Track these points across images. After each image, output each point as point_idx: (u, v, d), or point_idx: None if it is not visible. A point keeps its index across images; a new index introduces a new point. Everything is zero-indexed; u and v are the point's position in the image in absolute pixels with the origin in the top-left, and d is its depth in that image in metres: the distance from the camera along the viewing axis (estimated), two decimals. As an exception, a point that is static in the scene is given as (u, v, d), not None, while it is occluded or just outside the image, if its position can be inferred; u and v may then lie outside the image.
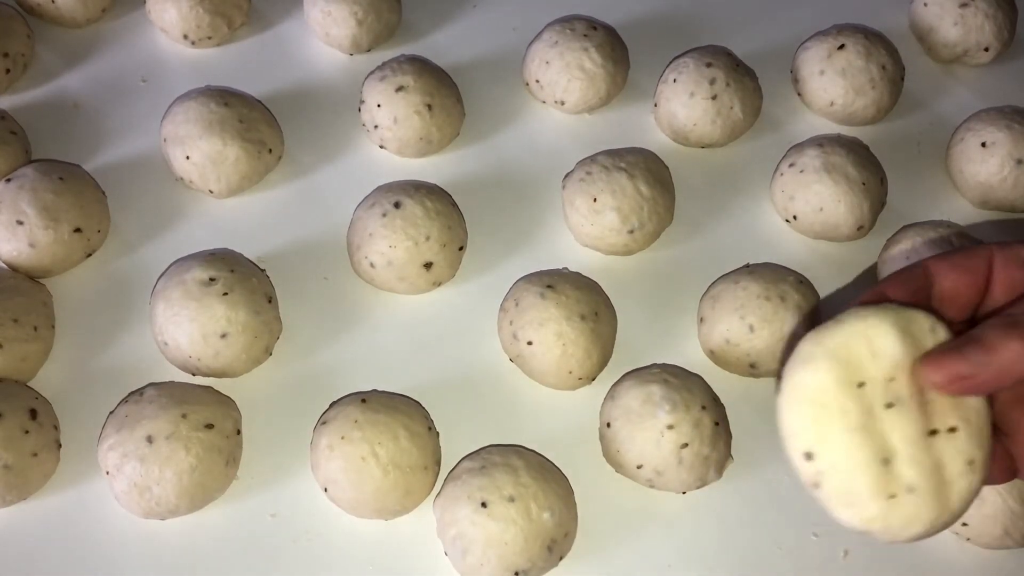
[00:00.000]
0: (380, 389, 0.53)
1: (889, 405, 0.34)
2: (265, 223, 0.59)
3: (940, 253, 0.39)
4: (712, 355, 0.55)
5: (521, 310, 0.53)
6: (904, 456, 0.34)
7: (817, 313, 0.54)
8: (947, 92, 0.67)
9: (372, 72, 0.62)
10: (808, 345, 0.35)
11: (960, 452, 0.34)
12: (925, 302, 0.37)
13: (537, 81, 0.64)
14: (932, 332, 0.35)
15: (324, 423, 0.50)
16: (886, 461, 0.33)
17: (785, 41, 0.68)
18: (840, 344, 0.34)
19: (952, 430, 0.34)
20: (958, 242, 0.56)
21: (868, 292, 0.39)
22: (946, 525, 0.35)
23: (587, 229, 0.57)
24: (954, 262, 0.38)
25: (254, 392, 0.53)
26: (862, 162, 0.58)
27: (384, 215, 0.55)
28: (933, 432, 0.34)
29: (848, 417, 0.34)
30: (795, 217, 0.59)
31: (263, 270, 0.56)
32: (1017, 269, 0.37)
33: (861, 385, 0.34)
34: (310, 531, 0.50)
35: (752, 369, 0.54)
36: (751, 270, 0.56)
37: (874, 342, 0.34)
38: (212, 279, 0.52)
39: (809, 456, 0.34)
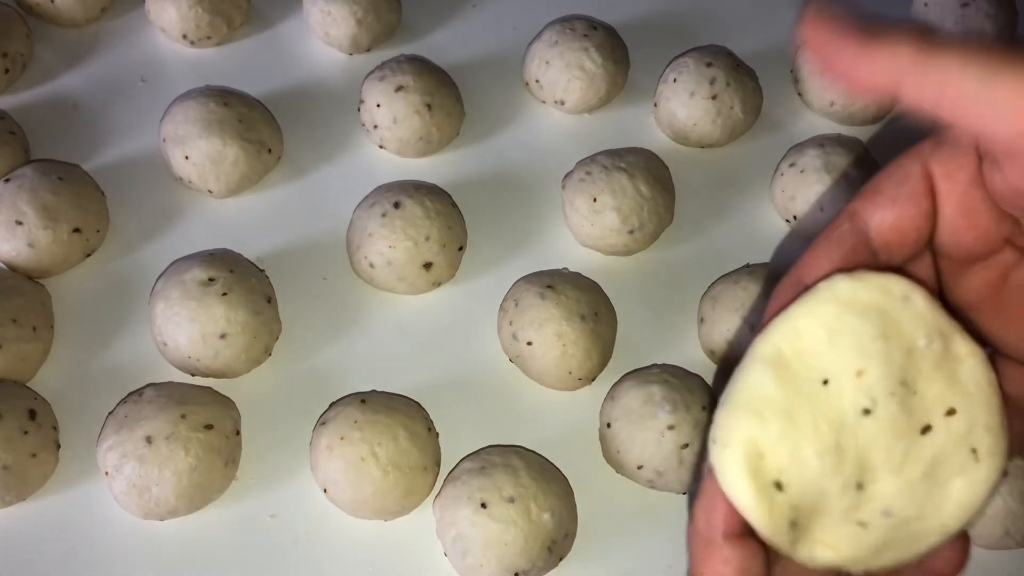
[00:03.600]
0: (380, 389, 0.53)
1: (866, 412, 0.28)
2: (265, 223, 0.59)
3: (864, 188, 0.31)
4: (712, 355, 0.55)
5: (521, 310, 0.53)
6: (883, 472, 0.28)
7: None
8: (947, 92, 0.67)
9: (372, 72, 0.62)
10: (754, 346, 0.29)
11: (960, 440, 0.28)
12: (866, 260, 0.30)
13: (537, 81, 0.64)
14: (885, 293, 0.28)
15: (324, 424, 0.50)
16: (860, 485, 0.28)
17: (785, 41, 0.68)
18: (779, 337, 0.28)
19: (951, 412, 0.28)
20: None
21: (784, 281, 0.31)
22: (937, 542, 0.29)
23: (587, 229, 0.57)
24: (884, 194, 0.30)
25: (254, 392, 0.53)
26: (862, 162, 0.58)
27: (384, 215, 0.55)
28: (926, 429, 0.28)
29: (819, 435, 0.28)
30: (795, 217, 0.59)
31: (262, 270, 0.56)
32: (964, 168, 0.29)
33: (827, 383, 0.28)
34: (310, 532, 0.50)
35: (752, 369, 0.54)
36: (751, 270, 0.56)
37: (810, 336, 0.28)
38: (211, 279, 0.52)
39: (779, 486, 0.28)
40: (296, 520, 0.50)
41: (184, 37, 0.65)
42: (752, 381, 0.28)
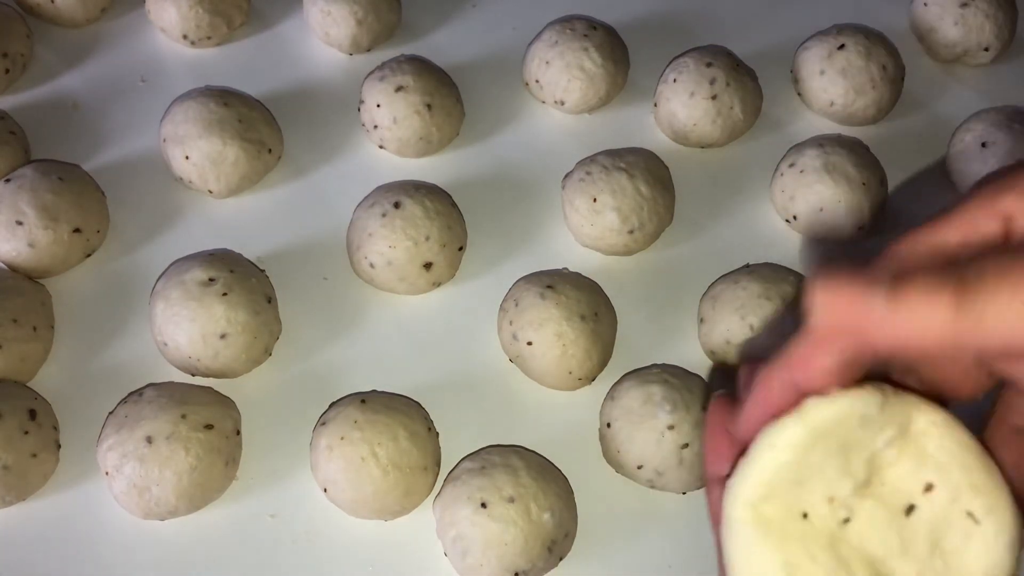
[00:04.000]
0: (380, 389, 0.53)
1: (846, 521, 0.29)
2: (265, 223, 0.59)
3: (787, 349, 0.29)
4: (712, 355, 0.55)
5: (521, 310, 0.53)
6: (892, 561, 0.29)
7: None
8: (947, 92, 0.67)
9: (372, 72, 0.62)
10: (730, 507, 0.30)
11: (948, 508, 0.29)
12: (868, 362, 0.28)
13: (537, 81, 0.64)
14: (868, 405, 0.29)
15: (324, 424, 0.50)
16: None
17: (785, 41, 0.68)
18: (761, 486, 0.29)
19: (928, 488, 0.29)
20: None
21: (771, 372, 0.29)
22: None
23: (587, 229, 0.57)
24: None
25: (254, 392, 0.53)
26: (862, 162, 0.58)
27: (384, 215, 0.55)
28: (910, 509, 0.29)
29: (820, 564, 0.29)
30: (795, 217, 0.59)
31: (263, 270, 0.56)
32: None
33: (806, 516, 0.29)
34: (310, 532, 0.50)
35: (752, 369, 0.54)
36: (751, 270, 0.56)
37: (788, 470, 0.29)
38: (211, 279, 0.52)
39: None
40: (296, 520, 0.50)
41: (184, 37, 0.65)
42: (743, 550, 0.29)
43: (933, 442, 0.29)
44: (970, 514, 0.28)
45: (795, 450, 0.29)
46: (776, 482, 0.29)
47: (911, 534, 0.29)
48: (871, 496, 0.29)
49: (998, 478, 0.29)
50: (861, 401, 0.28)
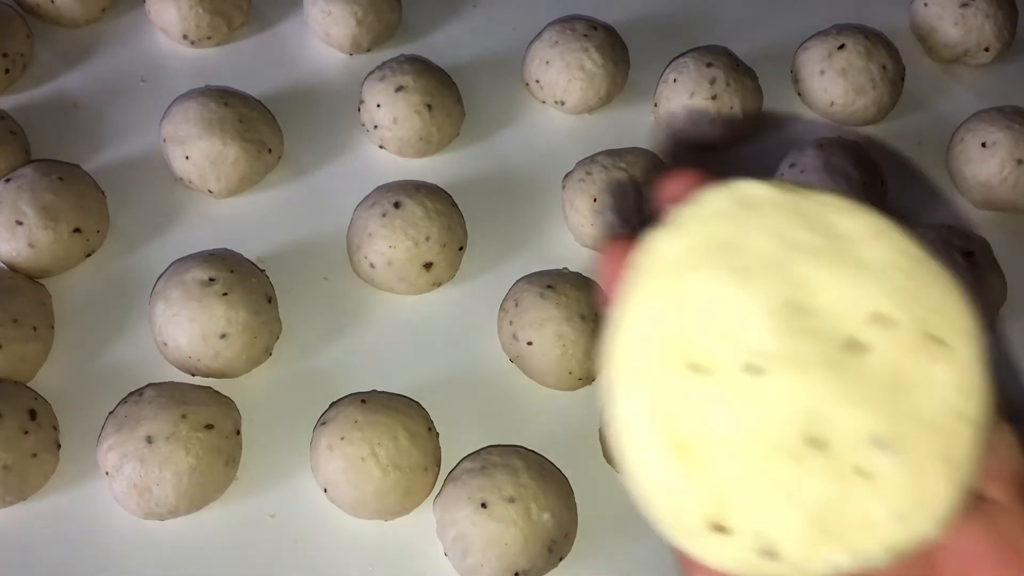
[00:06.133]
0: (380, 389, 0.53)
1: (752, 368, 0.21)
2: (265, 223, 0.59)
3: None
4: (712, 355, 0.55)
5: (521, 310, 0.53)
6: (838, 431, 0.21)
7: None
8: (947, 92, 0.67)
9: (372, 72, 0.62)
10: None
11: (907, 341, 0.21)
12: None
13: (537, 81, 0.64)
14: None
15: (324, 424, 0.50)
16: (817, 443, 0.20)
17: (785, 41, 0.68)
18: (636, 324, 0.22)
19: (876, 318, 0.21)
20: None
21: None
22: (969, 443, 0.21)
23: (587, 229, 0.57)
24: None
25: (254, 392, 0.53)
26: (862, 162, 0.58)
27: (384, 215, 0.55)
28: (854, 346, 0.21)
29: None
30: (795, 217, 0.59)
31: (263, 270, 0.56)
32: None
33: (698, 369, 0.21)
34: (310, 532, 0.50)
35: (752, 369, 0.54)
36: (751, 270, 0.55)
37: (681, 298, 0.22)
38: (212, 279, 0.52)
39: (720, 528, 0.21)
40: (296, 520, 0.50)
41: (184, 37, 0.65)
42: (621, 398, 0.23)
43: (873, 252, 0.22)
44: (934, 337, 0.21)
45: (664, 270, 0.22)
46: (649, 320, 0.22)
47: (859, 380, 0.21)
48: (797, 329, 0.21)
49: (960, 299, 0.22)
50: (732, 184, 0.22)
